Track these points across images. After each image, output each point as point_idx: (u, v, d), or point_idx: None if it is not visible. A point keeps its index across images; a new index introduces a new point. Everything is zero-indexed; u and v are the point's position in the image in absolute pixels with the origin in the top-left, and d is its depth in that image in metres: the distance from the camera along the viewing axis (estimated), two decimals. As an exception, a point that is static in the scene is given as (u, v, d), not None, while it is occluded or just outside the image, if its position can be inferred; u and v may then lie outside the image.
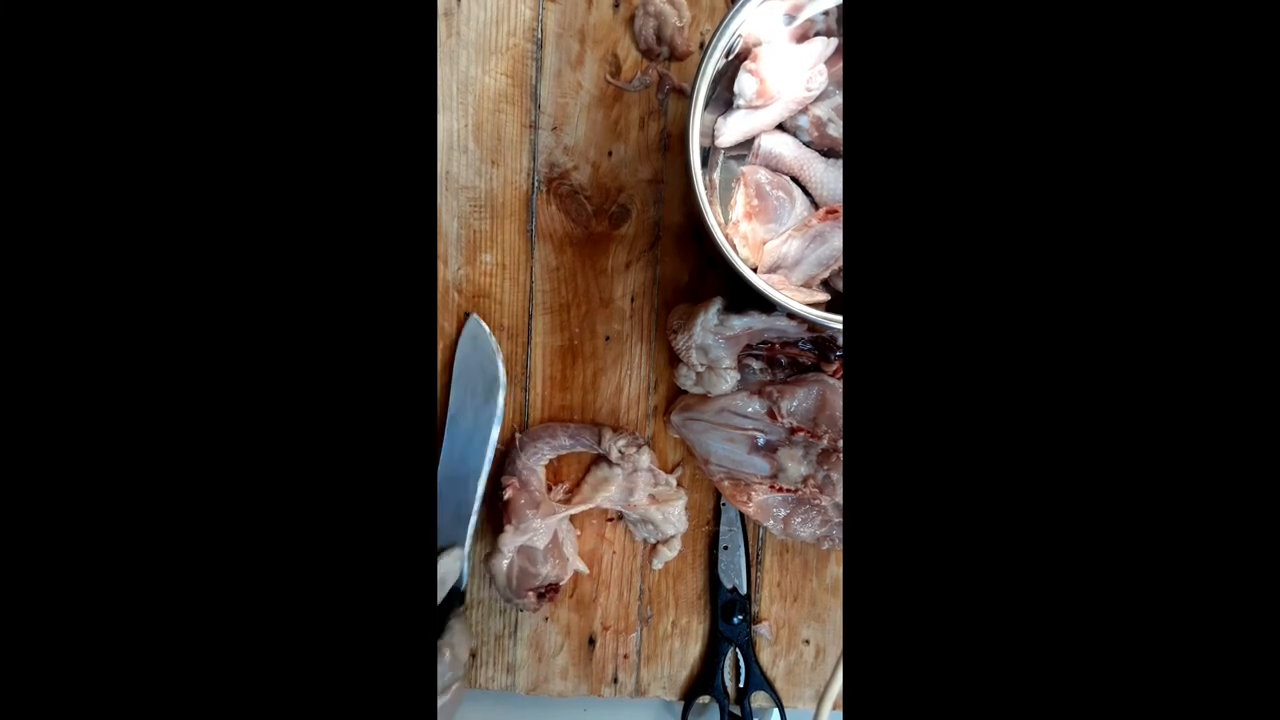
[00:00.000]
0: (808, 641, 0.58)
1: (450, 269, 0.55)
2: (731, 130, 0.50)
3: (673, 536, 0.56)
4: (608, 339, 0.56)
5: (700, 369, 0.52)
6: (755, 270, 0.49)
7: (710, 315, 0.51)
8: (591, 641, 0.58)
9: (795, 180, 0.51)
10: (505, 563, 0.54)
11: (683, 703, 0.58)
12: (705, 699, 0.58)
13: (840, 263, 0.49)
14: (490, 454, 0.55)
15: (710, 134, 0.50)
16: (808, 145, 0.51)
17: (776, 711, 0.57)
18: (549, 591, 0.55)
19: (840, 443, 0.52)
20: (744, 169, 0.50)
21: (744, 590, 0.57)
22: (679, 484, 0.56)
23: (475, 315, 0.55)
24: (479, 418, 0.55)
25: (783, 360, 0.54)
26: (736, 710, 0.57)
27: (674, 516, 0.56)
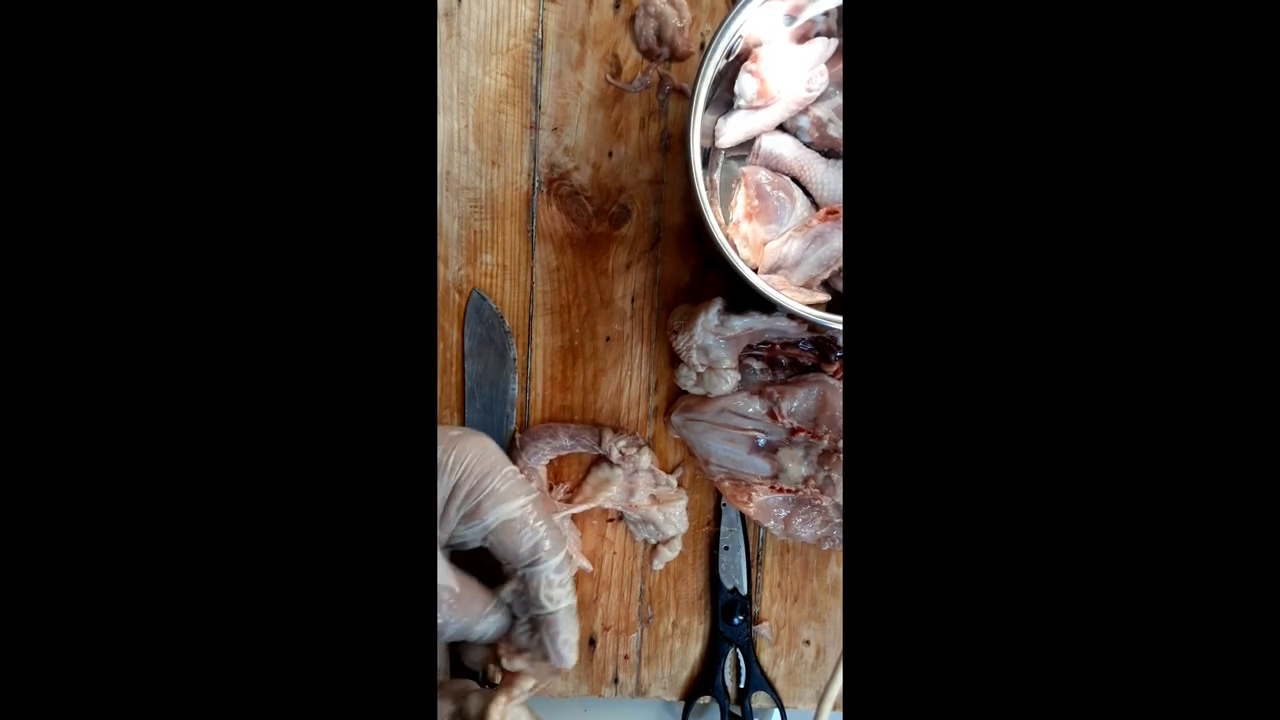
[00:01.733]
0: (808, 642, 0.58)
1: (451, 269, 0.55)
2: (732, 131, 0.50)
3: (673, 537, 0.56)
4: (608, 339, 0.56)
5: (701, 369, 0.52)
6: (755, 271, 0.49)
7: (711, 316, 0.51)
8: (592, 642, 0.58)
9: (796, 181, 0.51)
10: None
11: (683, 703, 0.58)
12: (706, 699, 0.58)
13: (840, 263, 0.49)
14: (512, 414, 0.56)
15: (711, 134, 0.50)
16: (808, 146, 0.51)
17: (777, 712, 0.57)
18: None
19: (840, 443, 0.52)
20: (744, 169, 0.50)
21: (744, 591, 0.57)
22: (679, 485, 0.56)
23: (477, 290, 0.55)
24: (495, 388, 0.56)
25: (783, 361, 0.54)
26: (737, 710, 0.57)
27: (675, 517, 0.56)
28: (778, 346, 0.53)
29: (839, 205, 0.49)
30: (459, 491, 0.43)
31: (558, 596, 0.44)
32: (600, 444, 0.55)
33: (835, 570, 0.57)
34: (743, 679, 0.57)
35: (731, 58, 0.48)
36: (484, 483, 0.43)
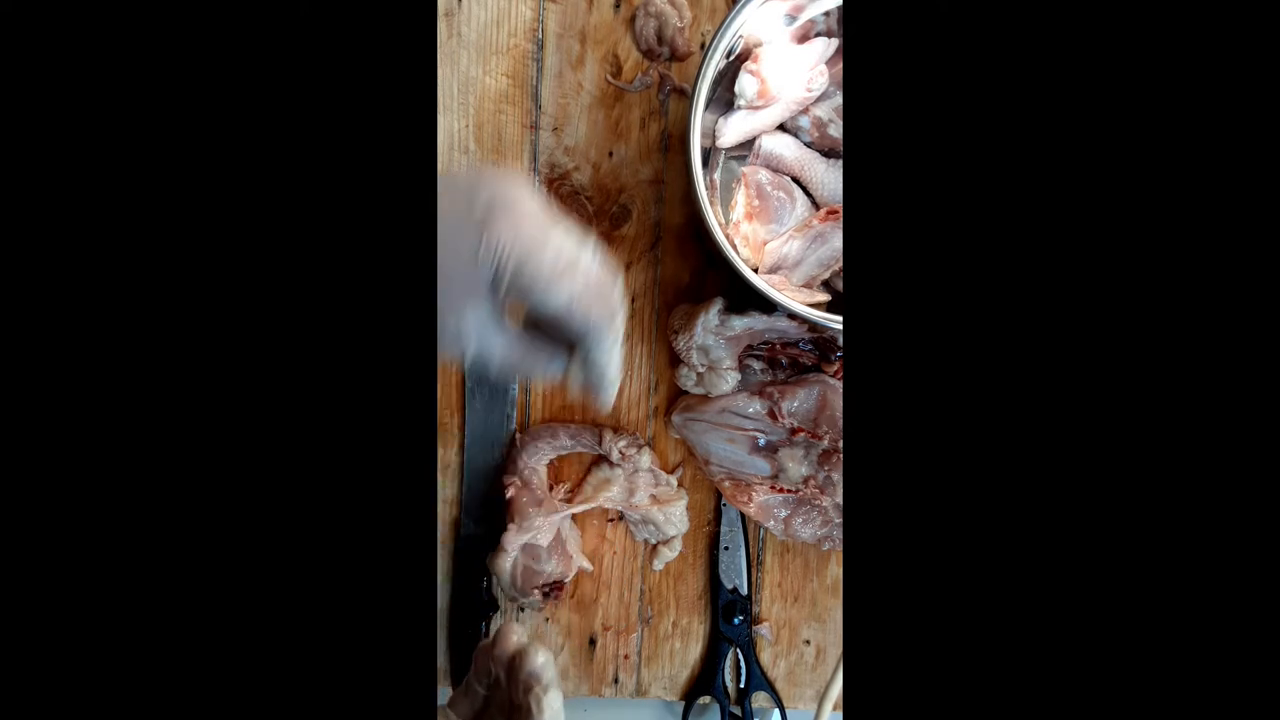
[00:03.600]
0: (808, 642, 0.58)
1: (451, 269, 0.55)
2: (732, 131, 0.50)
3: (674, 537, 0.56)
4: (608, 339, 0.56)
5: (701, 369, 0.52)
6: (756, 271, 0.49)
7: (711, 316, 0.51)
8: (592, 642, 0.58)
9: (796, 181, 0.51)
10: (510, 561, 0.54)
11: (683, 703, 0.58)
12: (706, 699, 0.58)
13: (840, 263, 0.49)
14: (512, 414, 0.56)
15: (711, 134, 0.50)
16: (808, 146, 0.51)
17: (777, 712, 0.57)
18: (554, 589, 0.55)
19: (840, 443, 0.52)
20: (745, 169, 0.50)
21: (745, 591, 0.57)
22: (679, 485, 0.56)
23: None
24: (494, 388, 0.56)
25: (783, 361, 0.54)
26: (737, 711, 0.57)
27: (675, 517, 0.56)
28: (778, 346, 0.53)
29: (839, 205, 0.49)
30: (499, 285, 0.36)
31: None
32: (600, 444, 0.55)
33: (835, 570, 0.57)
34: (743, 679, 0.57)
35: (732, 58, 0.48)
36: (523, 270, 0.35)
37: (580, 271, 0.36)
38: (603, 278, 0.37)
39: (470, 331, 0.36)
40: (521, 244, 0.35)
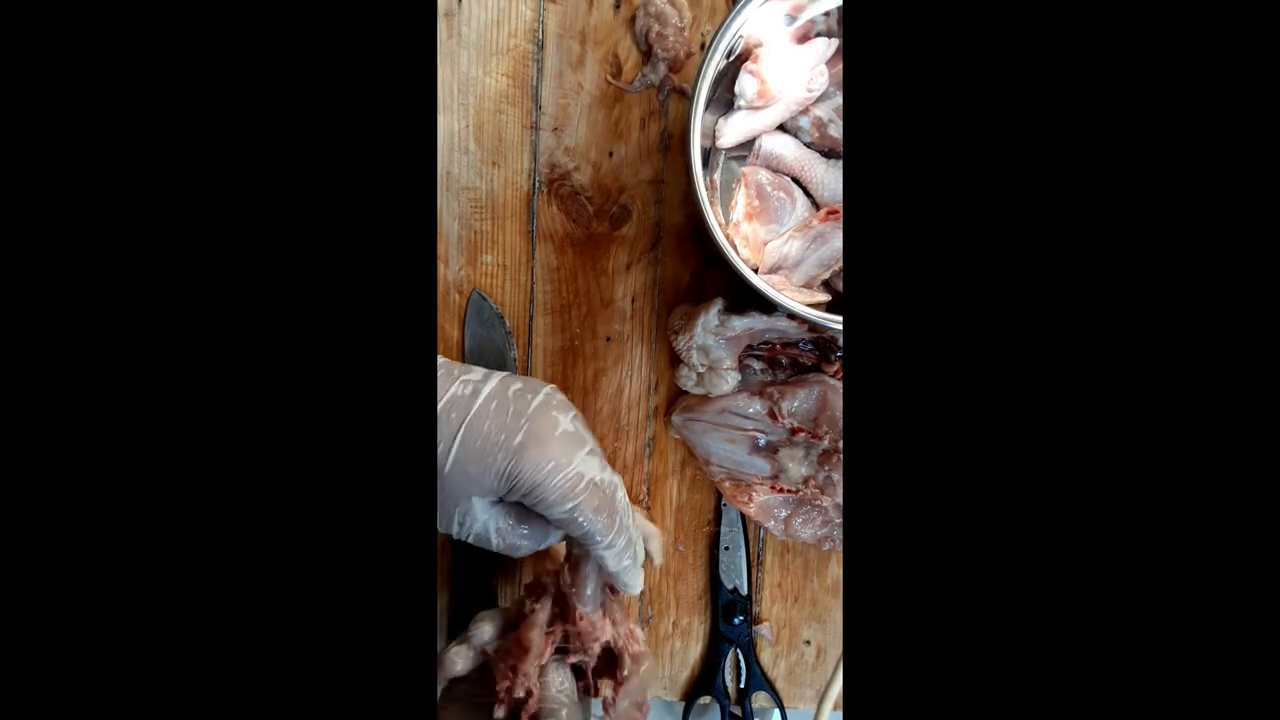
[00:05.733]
0: (808, 642, 0.58)
1: (451, 270, 0.55)
2: (732, 131, 0.50)
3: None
4: (608, 340, 0.56)
5: (701, 370, 0.52)
6: (756, 271, 0.49)
7: (711, 316, 0.51)
8: (592, 642, 0.58)
9: (796, 181, 0.51)
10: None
11: (684, 703, 0.58)
12: (706, 699, 0.58)
13: (840, 263, 0.49)
14: None
15: (711, 135, 0.50)
16: (808, 146, 0.51)
17: (777, 712, 0.57)
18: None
19: (840, 443, 0.52)
20: (745, 170, 0.50)
21: (745, 591, 0.57)
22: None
23: (478, 290, 0.55)
24: None
25: (783, 361, 0.54)
26: (737, 711, 0.57)
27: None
28: (778, 346, 0.53)
29: (839, 205, 0.49)
30: (510, 494, 0.42)
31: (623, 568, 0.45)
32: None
33: (835, 570, 0.57)
34: (743, 679, 0.57)
35: (732, 58, 0.48)
36: (535, 491, 0.42)
37: (585, 488, 0.42)
38: (606, 491, 0.43)
39: (473, 519, 0.43)
40: (543, 472, 0.41)
